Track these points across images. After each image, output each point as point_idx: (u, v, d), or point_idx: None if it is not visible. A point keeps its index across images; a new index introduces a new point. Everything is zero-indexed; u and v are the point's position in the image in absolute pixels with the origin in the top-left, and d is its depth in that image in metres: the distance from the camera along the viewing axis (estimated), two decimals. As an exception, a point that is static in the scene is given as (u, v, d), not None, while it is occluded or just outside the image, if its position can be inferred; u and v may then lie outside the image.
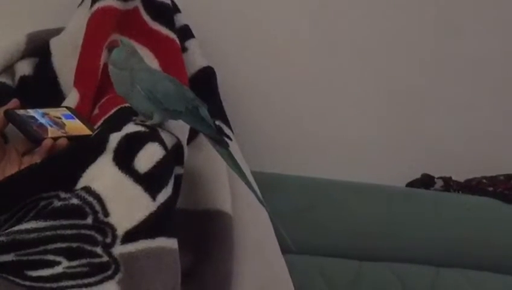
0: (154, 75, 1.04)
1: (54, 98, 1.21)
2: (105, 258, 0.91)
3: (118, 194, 0.94)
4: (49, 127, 1.04)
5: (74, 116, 1.10)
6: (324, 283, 1.33)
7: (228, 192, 1.14)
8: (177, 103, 1.03)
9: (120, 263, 0.91)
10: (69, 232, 0.91)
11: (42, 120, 1.05)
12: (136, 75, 1.02)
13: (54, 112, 1.08)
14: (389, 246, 1.39)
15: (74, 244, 0.91)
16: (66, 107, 1.13)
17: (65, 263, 0.90)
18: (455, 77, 1.63)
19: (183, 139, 1.08)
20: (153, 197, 0.95)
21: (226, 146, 1.06)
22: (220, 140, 1.06)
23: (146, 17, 1.28)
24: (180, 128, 1.09)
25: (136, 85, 1.01)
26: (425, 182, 1.54)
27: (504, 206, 1.48)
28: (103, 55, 1.20)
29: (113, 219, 0.92)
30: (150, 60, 1.23)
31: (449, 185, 1.54)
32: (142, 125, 1.01)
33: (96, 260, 0.91)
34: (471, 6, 1.61)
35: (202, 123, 1.05)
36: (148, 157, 0.96)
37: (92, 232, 0.92)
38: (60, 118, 1.08)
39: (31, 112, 1.05)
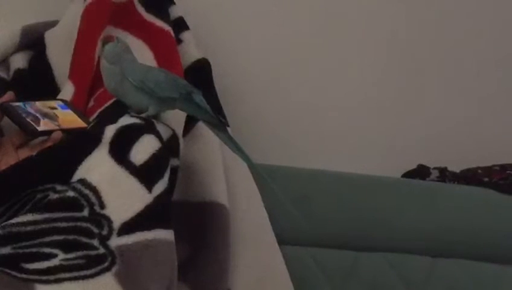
0: (144, 66, 1.05)
1: (49, 91, 1.21)
2: (101, 251, 0.91)
3: (114, 186, 0.94)
4: (42, 120, 1.04)
5: (69, 109, 1.09)
6: (321, 274, 1.33)
7: (224, 183, 1.14)
8: (170, 90, 1.03)
9: (116, 255, 0.91)
10: (65, 224, 0.91)
11: (37, 113, 1.05)
12: (127, 68, 1.02)
13: (48, 104, 1.08)
14: (385, 237, 1.40)
15: (70, 237, 0.91)
16: (61, 99, 1.13)
17: (61, 255, 0.90)
18: (450, 69, 1.63)
19: (179, 130, 1.09)
20: (149, 189, 0.95)
21: (224, 129, 1.05)
22: (217, 123, 1.05)
23: (140, 9, 1.27)
24: (176, 120, 1.09)
25: (127, 77, 1.01)
26: (421, 172, 1.54)
27: (499, 196, 1.48)
28: (98, 48, 1.20)
29: (109, 211, 0.92)
30: (145, 53, 1.23)
31: (445, 175, 1.54)
32: (138, 117, 1.01)
33: (93, 252, 0.91)
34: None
35: (198, 108, 1.05)
36: (143, 149, 0.96)
37: (88, 225, 0.92)
38: (55, 109, 1.07)
39: (26, 105, 1.05)
